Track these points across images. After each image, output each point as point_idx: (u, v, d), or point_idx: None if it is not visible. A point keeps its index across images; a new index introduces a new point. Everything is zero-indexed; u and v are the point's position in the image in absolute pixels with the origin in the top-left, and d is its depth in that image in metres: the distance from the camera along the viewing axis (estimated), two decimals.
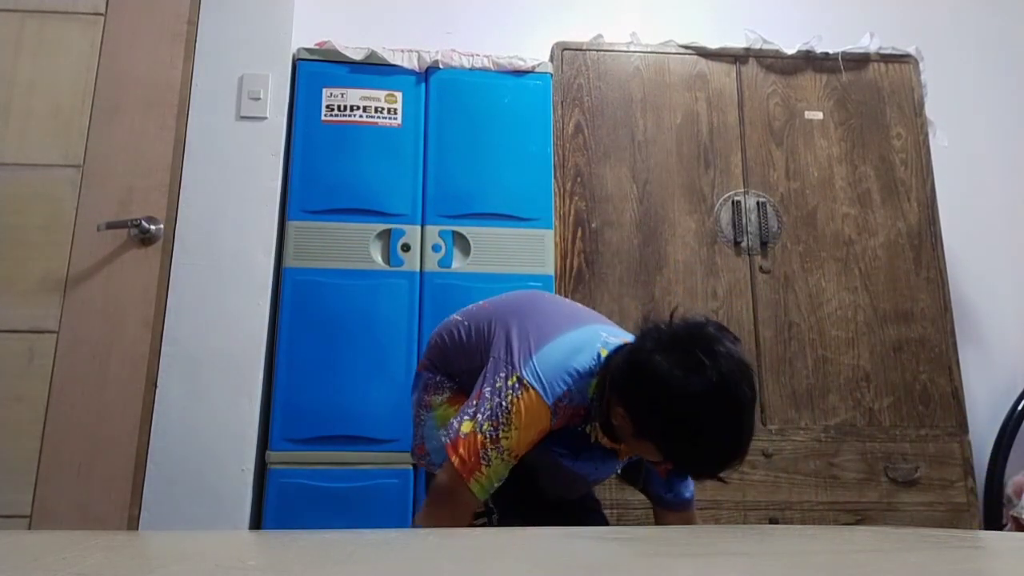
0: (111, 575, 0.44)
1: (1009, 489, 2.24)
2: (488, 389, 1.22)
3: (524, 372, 1.22)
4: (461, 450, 1.18)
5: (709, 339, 1.12)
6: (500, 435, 1.18)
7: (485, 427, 1.18)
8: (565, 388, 1.22)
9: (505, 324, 1.32)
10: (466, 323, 1.41)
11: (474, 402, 1.23)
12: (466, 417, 1.22)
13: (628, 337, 1.29)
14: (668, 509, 1.50)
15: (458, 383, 1.41)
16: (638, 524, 1.86)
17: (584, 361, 1.24)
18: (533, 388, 1.20)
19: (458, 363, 1.41)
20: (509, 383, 1.21)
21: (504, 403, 1.19)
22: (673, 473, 1.43)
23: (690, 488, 1.49)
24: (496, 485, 1.20)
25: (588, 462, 1.32)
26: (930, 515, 2.01)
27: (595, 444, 1.31)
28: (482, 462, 1.17)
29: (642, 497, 1.91)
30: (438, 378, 1.44)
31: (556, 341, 1.26)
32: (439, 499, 1.21)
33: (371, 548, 0.64)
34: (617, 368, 1.19)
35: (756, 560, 0.56)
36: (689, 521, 1.49)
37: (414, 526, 1.27)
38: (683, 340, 1.13)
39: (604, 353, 1.25)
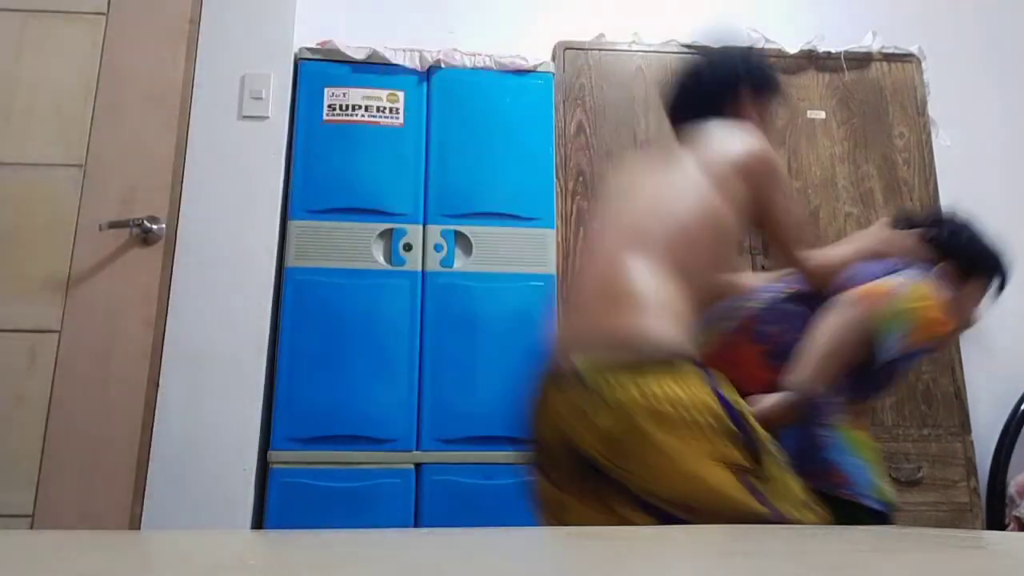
0: (111, 575, 0.44)
1: (1012, 489, 2.23)
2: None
3: None
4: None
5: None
6: None
7: None
8: None
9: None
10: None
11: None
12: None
13: None
14: None
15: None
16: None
17: None
18: None
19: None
20: None
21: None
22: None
23: None
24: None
25: None
26: (932, 515, 2.01)
27: None
28: None
29: None
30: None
31: None
32: None
33: (372, 548, 0.64)
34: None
35: (756, 560, 0.56)
36: None
37: None
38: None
39: None
